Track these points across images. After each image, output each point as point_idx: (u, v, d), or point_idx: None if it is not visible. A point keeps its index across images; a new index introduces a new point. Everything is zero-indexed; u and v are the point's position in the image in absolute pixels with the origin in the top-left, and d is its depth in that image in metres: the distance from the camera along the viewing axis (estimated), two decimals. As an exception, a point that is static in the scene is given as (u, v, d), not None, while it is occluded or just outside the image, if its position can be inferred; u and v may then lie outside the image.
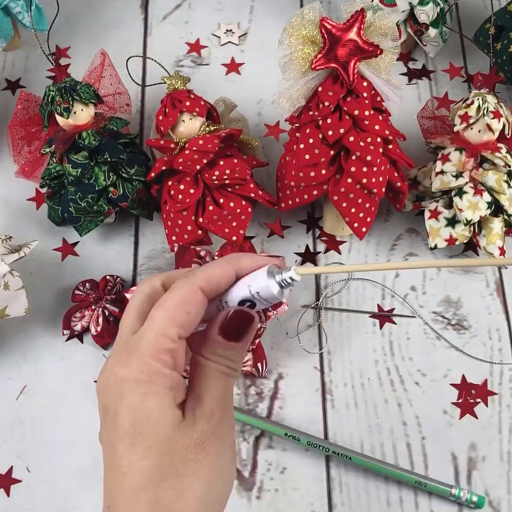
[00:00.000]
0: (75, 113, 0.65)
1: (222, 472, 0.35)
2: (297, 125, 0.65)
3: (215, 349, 0.36)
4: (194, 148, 0.64)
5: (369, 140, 0.62)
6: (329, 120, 0.62)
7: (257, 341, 0.62)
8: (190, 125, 0.66)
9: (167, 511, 0.33)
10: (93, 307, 0.65)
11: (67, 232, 0.71)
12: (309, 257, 0.70)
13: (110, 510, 0.33)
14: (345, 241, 0.71)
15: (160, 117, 0.66)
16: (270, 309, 0.61)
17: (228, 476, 0.36)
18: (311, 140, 0.63)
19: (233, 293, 0.37)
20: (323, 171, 0.63)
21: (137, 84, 0.73)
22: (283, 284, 0.36)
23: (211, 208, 0.65)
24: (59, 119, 0.66)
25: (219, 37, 0.83)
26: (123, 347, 0.35)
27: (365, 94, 0.62)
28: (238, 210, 0.65)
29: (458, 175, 0.65)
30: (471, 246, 0.70)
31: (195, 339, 0.38)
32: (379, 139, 0.63)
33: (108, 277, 0.67)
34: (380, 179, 0.64)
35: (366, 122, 0.62)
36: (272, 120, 0.77)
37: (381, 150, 0.63)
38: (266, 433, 0.62)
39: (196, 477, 0.33)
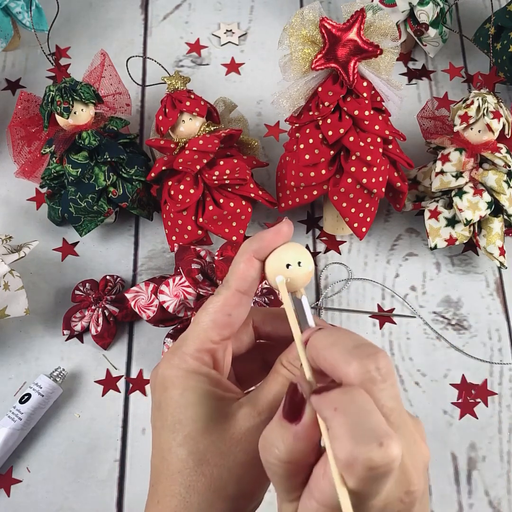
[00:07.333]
0: (75, 113, 0.65)
1: (256, 472, 0.35)
2: (297, 125, 0.65)
3: (290, 357, 0.37)
4: (194, 148, 0.64)
5: (369, 140, 0.62)
6: (329, 120, 0.62)
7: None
8: (190, 125, 0.66)
9: (197, 495, 0.35)
10: (93, 307, 0.65)
11: (67, 232, 0.71)
12: (309, 257, 0.70)
13: (154, 488, 0.37)
14: (345, 241, 0.71)
15: (160, 117, 0.66)
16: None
17: (263, 479, 0.36)
18: (311, 140, 0.63)
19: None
20: (323, 171, 0.63)
21: (137, 84, 0.73)
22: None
23: (211, 208, 0.65)
24: (59, 119, 0.66)
25: (219, 37, 0.83)
26: (173, 346, 0.38)
27: (365, 94, 0.62)
28: (238, 210, 0.65)
29: (458, 175, 0.65)
30: (471, 246, 0.70)
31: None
32: (379, 139, 0.63)
33: (108, 277, 0.67)
34: (380, 179, 0.64)
35: (366, 122, 0.62)
36: (272, 120, 0.77)
37: (381, 150, 0.63)
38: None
39: (227, 470, 0.35)
